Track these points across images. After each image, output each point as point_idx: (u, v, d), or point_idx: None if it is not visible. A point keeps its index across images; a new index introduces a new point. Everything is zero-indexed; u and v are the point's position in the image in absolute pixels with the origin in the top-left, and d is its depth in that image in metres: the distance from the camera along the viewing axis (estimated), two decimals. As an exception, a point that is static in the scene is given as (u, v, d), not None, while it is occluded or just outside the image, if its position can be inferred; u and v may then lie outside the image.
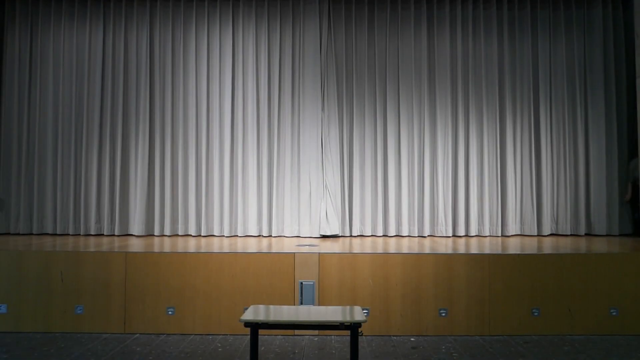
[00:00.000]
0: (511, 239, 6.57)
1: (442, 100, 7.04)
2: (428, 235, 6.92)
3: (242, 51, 7.07)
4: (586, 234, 6.97)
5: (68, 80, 7.06)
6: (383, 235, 6.90)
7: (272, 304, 4.59)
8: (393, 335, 4.74)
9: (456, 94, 7.07)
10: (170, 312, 4.79)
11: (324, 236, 6.70)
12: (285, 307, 3.57)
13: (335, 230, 6.66)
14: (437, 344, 4.50)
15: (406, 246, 5.76)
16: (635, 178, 6.80)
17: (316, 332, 4.74)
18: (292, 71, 7.03)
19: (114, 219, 6.94)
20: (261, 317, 3.17)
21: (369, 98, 7.04)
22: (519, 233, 6.99)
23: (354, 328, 3.05)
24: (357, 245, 5.78)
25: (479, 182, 7.00)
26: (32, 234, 6.91)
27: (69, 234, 6.88)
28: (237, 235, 6.88)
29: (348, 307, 3.45)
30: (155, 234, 6.89)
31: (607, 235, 6.93)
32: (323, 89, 6.97)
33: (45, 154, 7.02)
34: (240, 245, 5.77)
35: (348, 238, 6.71)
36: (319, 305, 4.73)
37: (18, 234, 6.90)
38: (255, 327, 3.09)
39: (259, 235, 6.89)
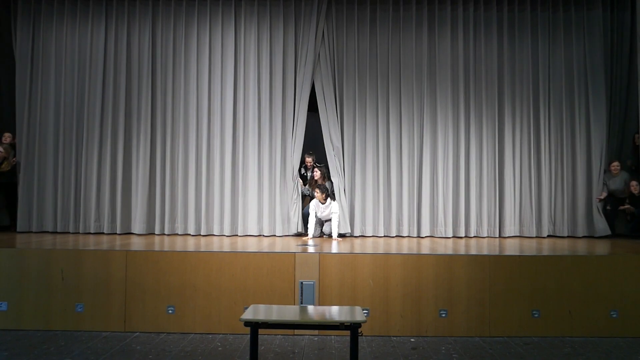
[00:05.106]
0: (511, 240, 6.57)
1: (443, 102, 7.04)
2: (427, 236, 6.92)
3: (244, 51, 7.07)
4: (584, 236, 6.96)
5: (70, 78, 7.06)
6: (384, 236, 6.89)
7: (272, 304, 4.59)
8: (393, 336, 4.74)
9: (457, 95, 7.07)
10: (170, 311, 4.79)
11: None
12: (285, 307, 3.57)
13: (346, 229, 6.76)
14: (437, 345, 4.50)
15: (406, 247, 5.76)
16: (609, 190, 6.98)
17: (316, 332, 4.74)
18: (293, 71, 7.02)
19: (115, 217, 6.93)
20: (261, 316, 3.17)
21: (369, 99, 7.03)
22: (517, 234, 6.98)
23: (354, 328, 3.05)
24: (358, 246, 5.78)
25: (479, 183, 7.00)
26: (31, 232, 6.90)
27: (69, 232, 6.88)
28: (237, 235, 6.88)
29: (348, 307, 3.44)
30: (156, 232, 6.89)
31: (605, 237, 6.91)
32: (324, 89, 6.97)
33: (46, 151, 7.01)
34: (241, 245, 5.77)
35: (349, 238, 6.71)
36: (319, 305, 4.73)
37: (17, 232, 6.89)
38: (255, 326, 3.09)
39: (260, 235, 6.88)
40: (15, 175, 6.99)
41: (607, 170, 7.00)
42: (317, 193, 6.39)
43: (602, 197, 6.93)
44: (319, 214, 6.49)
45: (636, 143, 6.95)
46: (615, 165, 6.92)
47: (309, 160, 7.08)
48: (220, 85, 7.03)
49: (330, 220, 6.46)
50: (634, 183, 6.74)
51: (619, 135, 7.18)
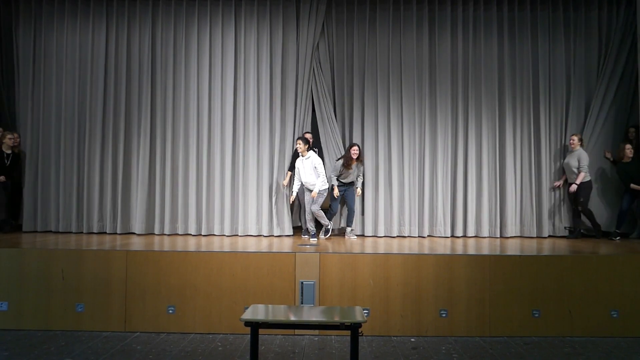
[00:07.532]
0: (511, 240, 6.56)
1: (443, 102, 7.04)
2: (428, 236, 6.92)
3: (244, 50, 7.06)
4: (584, 236, 6.94)
5: (71, 78, 7.06)
6: (384, 236, 6.89)
7: (273, 304, 4.60)
8: (393, 336, 4.74)
9: (456, 95, 7.07)
10: (170, 311, 4.79)
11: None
12: (285, 307, 3.57)
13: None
14: (437, 345, 4.50)
15: (406, 247, 5.76)
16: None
17: (316, 332, 4.74)
18: (294, 71, 7.01)
19: (115, 217, 6.93)
20: (261, 316, 3.17)
21: (370, 98, 7.03)
22: (518, 234, 6.98)
23: (354, 328, 3.05)
24: (358, 246, 5.78)
25: (479, 183, 6.99)
26: (35, 231, 6.90)
27: (71, 232, 6.87)
28: (237, 235, 6.88)
29: (348, 307, 3.45)
30: (156, 232, 6.89)
31: (604, 237, 6.90)
32: (324, 89, 6.97)
33: (49, 152, 7.01)
34: (241, 245, 5.78)
35: (350, 238, 6.69)
36: (319, 305, 4.73)
37: (21, 232, 6.89)
38: (255, 326, 3.09)
39: (260, 235, 6.87)
40: (21, 174, 6.99)
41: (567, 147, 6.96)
42: (300, 144, 6.25)
43: (559, 184, 6.93)
44: (302, 173, 6.32)
45: (630, 137, 6.92)
46: (574, 138, 6.76)
47: (308, 136, 6.79)
48: (220, 85, 7.03)
49: (311, 190, 6.29)
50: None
51: (620, 134, 7.16)
